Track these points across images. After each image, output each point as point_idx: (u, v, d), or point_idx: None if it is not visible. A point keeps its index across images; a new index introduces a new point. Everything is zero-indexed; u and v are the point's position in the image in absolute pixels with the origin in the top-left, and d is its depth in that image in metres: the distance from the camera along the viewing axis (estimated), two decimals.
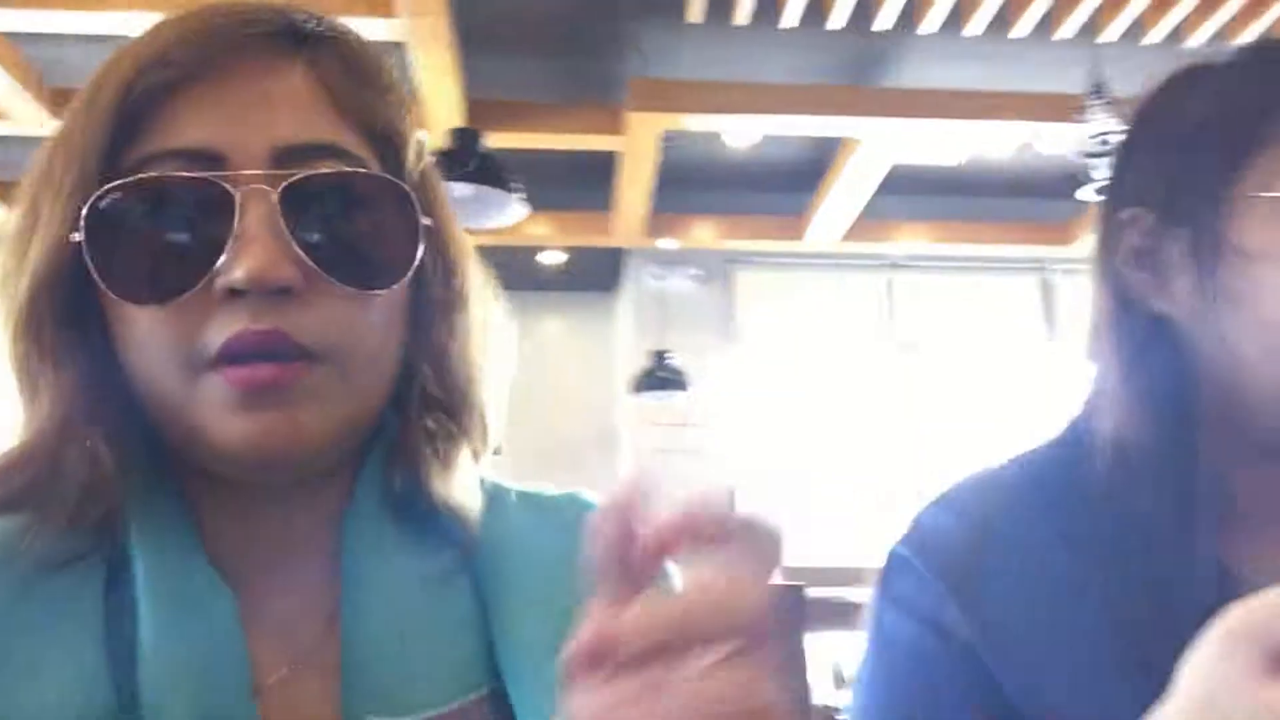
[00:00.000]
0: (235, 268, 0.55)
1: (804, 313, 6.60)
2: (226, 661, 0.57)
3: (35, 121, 4.41)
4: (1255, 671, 0.49)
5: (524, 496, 0.70)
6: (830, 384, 6.56)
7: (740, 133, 5.05)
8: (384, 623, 0.60)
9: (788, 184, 5.96)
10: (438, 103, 4.41)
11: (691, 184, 5.82)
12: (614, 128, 4.86)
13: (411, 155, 0.64)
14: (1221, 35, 4.43)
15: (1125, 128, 0.77)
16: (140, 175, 0.56)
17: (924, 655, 0.73)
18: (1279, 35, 4.33)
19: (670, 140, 5.00)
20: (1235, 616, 0.50)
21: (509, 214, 4.11)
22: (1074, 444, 0.75)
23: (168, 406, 0.58)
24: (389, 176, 0.61)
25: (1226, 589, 0.66)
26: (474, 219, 4.10)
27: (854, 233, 6.07)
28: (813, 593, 2.82)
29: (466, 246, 0.67)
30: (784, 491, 6.37)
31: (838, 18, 4.23)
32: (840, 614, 3.23)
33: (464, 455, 0.65)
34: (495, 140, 4.39)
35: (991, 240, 6.26)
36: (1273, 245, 0.66)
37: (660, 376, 5.44)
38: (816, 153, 5.55)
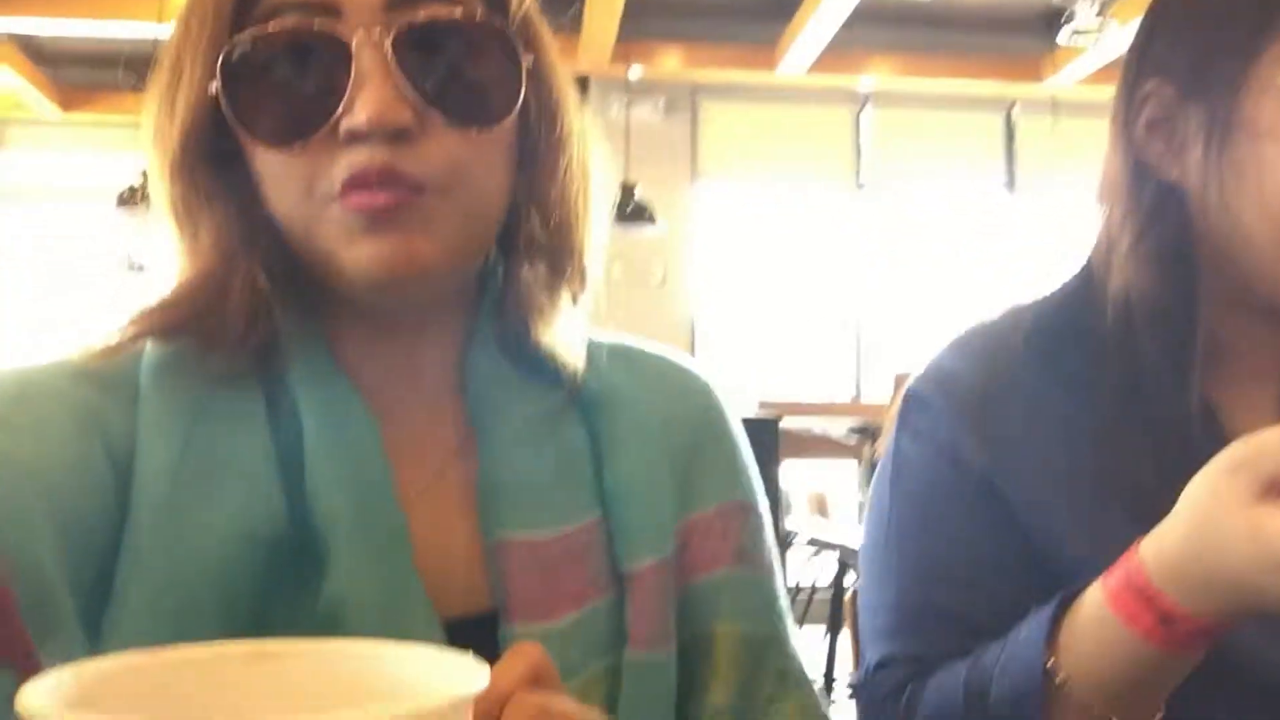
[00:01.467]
0: (355, 112, 0.59)
1: (771, 146, 6.53)
2: (376, 476, 0.63)
3: None
4: (1248, 495, 0.56)
5: (617, 349, 0.76)
6: (795, 219, 6.56)
7: None
8: (513, 444, 0.67)
9: (757, 13, 5.80)
10: None
11: (659, 10, 5.65)
12: None
13: (514, 1, 0.67)
14: None
15: None
16: (263, 28, 0.60)
17: (944, 480, 0.78)
18: None
19: None
20: (1236, 447, 0.57)
21: None
22: (1080, 295, 0.79)
23: (303, 237, 0.63)
24: (493, 19, 0.64)
25: (1213, 428, 0.71)
26: None
27: (823, 65, 5.96)
28: (788, 422, 2.92)
29: (569, 90, 0.70)
30: (748, 327, 6.45)
31: None
32: (814, 443, 3.35)
33: (565, 299, 0.70)
34: None
35: (960, 75, 6.18)
36: (1269, 122, 0.69)
37: (626, 209, 5.40)
38: None
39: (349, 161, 0.60)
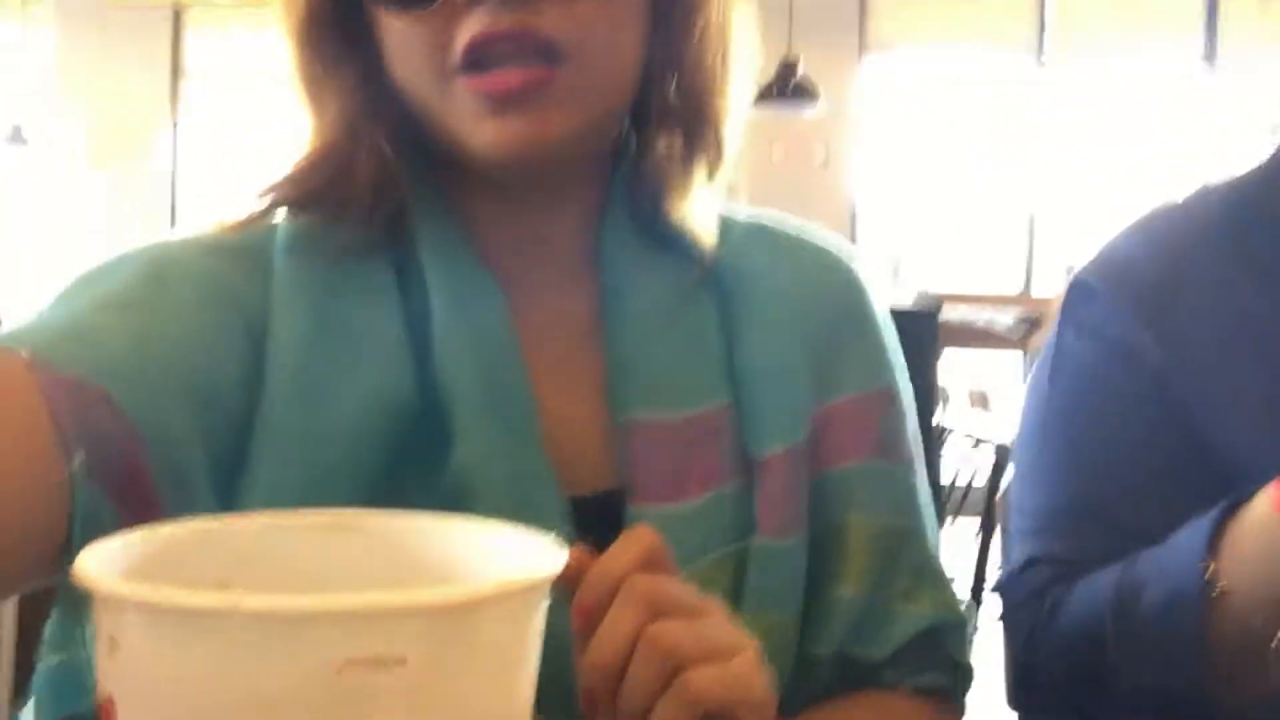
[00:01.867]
0: None
1: (945, 23, 6.17)
2: (504, 351, 0.62)
3: None
4: None
5: (753, 226, 0.73)
6: (969, 97, 6.23)
7: None
8: (643, 323, 0.66)
9: None
10: None
11: None
12: None
13: None
14: None
15: None
16: None
17: (1111, 376, 0.73)
18: None
19: None
20: None
21: None
22: (1266, 181, 0.72)
23: (428, 112, 0.61)
24: None
25: None
26: None
27: None
28: (950, 313, 2.81)
29: None
30: (914, 213, 6.23)
31: None
32: (977, 336, 3.23)
33: (700, 173, 0.67)
34: None
35: None
36: None
37: (787, 87, 5.22)
38: None
39: (470, 26, 0.57)
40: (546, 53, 0.58)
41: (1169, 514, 0.66)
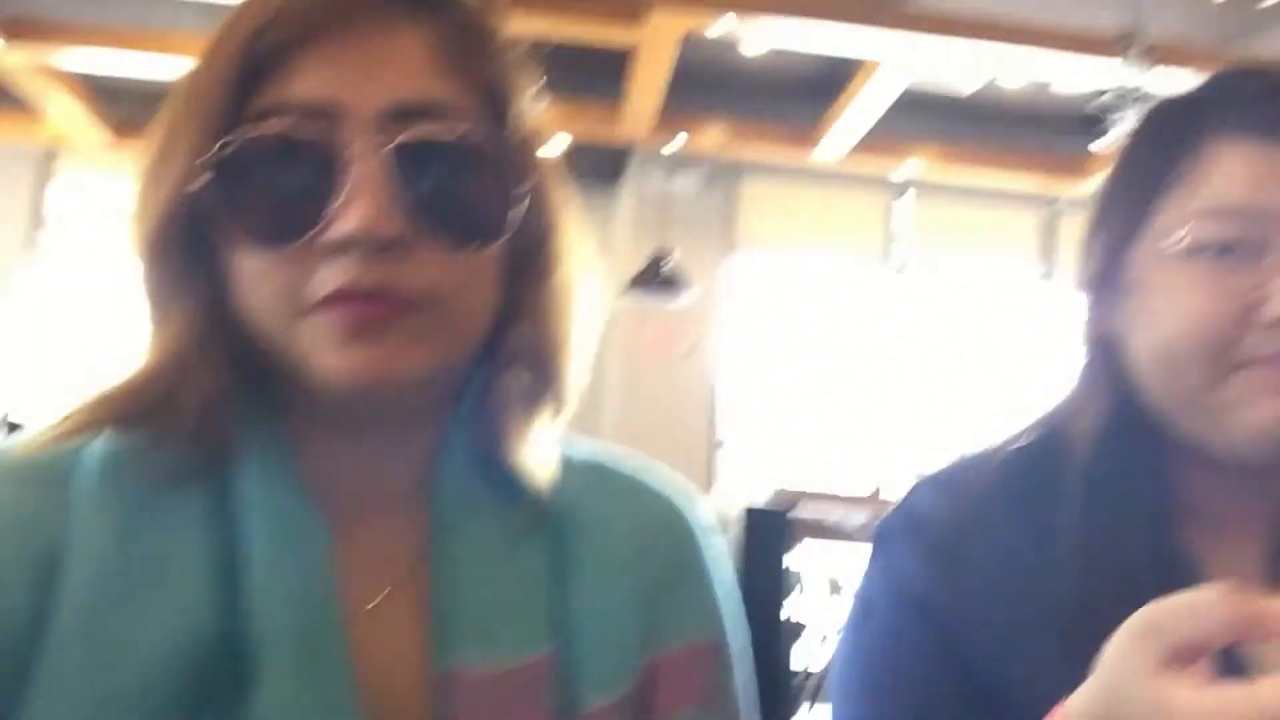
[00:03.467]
0: (346, 220, 0.58)
1: (807, 226, 6.55)
2: (321, 592, 0.60)
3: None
4: (1153, 663, 0.52)
5: (592, 466, 0.73)
6: (827, 301, 6.55)
7: (757, 40, 4.93)
8: (471, 567, 0.64)
9: (800, 96, 5.85)
10: None
11: (704, 87, 5.71)
12: (634, 20, 4.75)
13: (520, 115, 0.66)
14: None
15: (1142, 85, 0.81)
16: (260, 127, 0.59)
17: (907, 633, 0.77)
18: None
19: (687, 41, 4.89)
20: (1140, 615, 0.54)
21: None
22: (1052, 441, 0.80)
23: (275, 341, 0.61)
24: (495, 138, 0.63)
25: (1195, 581, 0.68)
26: None
27: (862, 150, 5.99)
28: (804, 511, 2.87)
29: (564, 208, 0.70)
30: (772, 402, 6.41)
31: None
32: (829, 533, 3.31)
33: (543, 417, 0.68)
34: (510, 45, 4.27)
35: (998, 169, 6.20)
36: (1160, 282, 0.75)
37: (658, 278, 5.41)
38: (829, 66, 5.44)
39: (337, 271, 0.58)
40: (406, 305, 0.60)
41: None
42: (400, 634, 0.63)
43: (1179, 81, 0.83)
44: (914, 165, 6.18)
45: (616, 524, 0.70)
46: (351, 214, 0.58)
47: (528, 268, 0.67)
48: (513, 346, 0.67)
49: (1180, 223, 0.74)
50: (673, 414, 6.13)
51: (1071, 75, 4.69)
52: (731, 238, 6.47)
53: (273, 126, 0.59)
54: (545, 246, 0.68)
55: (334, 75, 0.60)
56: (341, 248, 0.58)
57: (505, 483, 0.66)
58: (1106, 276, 0.80)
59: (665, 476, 0.77)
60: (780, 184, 6.53)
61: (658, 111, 5.70)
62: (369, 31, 0.61)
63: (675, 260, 5.48)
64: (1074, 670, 0.63)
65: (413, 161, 0.59)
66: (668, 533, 0.73)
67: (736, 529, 2.11)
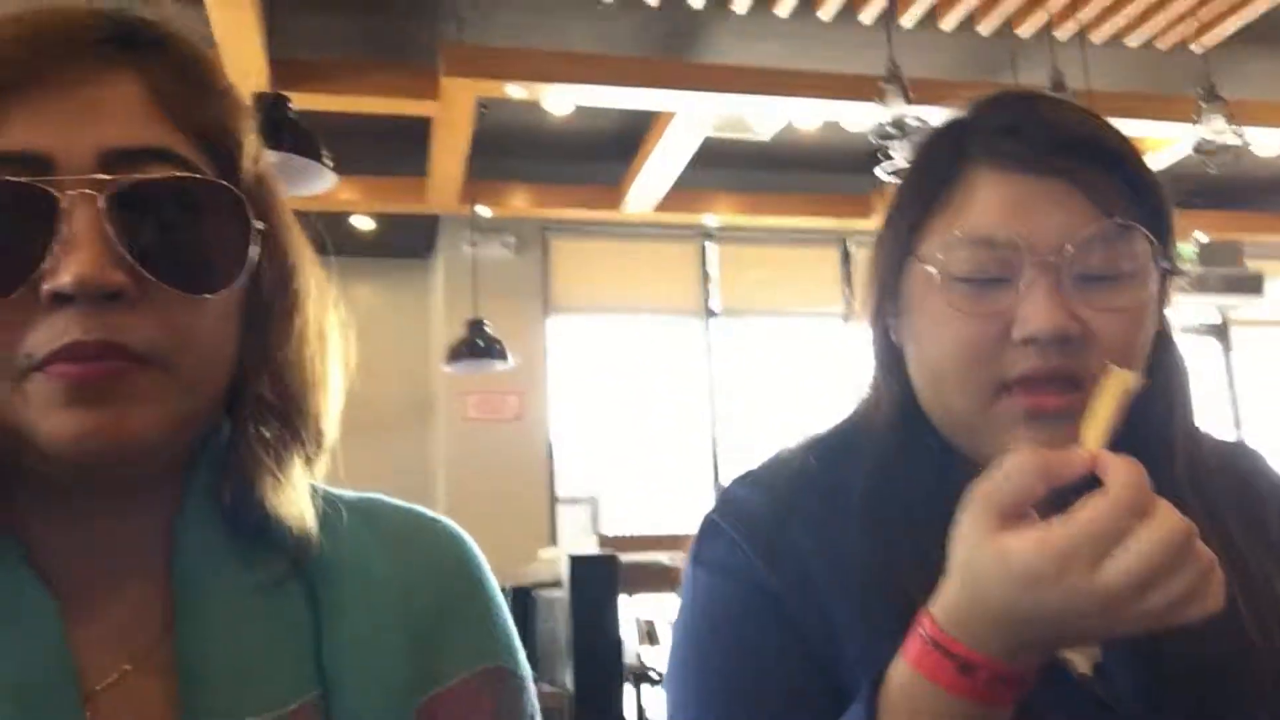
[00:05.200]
0: (62, 272, 0.54)
1: (619, 281, 6.67)
2: (52, 672, 0.56)
3: None
4: (993, 526, 0.61)
5: (358, 506, 0.70)
6: (647, 350, 6.67)
7: (555, 102, 5.04)
8: (219, 628, 0.60)
9: (603, 154, 5.99)
10: (240, 62, 4.21)
11: (507, 151, 5.78)
12: (428, 92, 4.77)
13: (247, 158, 0.64)
14: (1009, 24, 4.72)
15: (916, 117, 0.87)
16: None
17: (734, 604, 0.80)
18: (1061, 24, 4.65)
19: (486, 106, 4.95)
20: (972, 494, 0.63)
21: (319, 183, 3.96)
22: (851, 435, 0.86)
23: None
24: (219, 181, 0.61)
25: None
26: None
27: (668, 203, 6.17)
28: (626, 558, 2.90)
29: (304, 250, 0.67)
30: (602, 459, 6.45)
31: None
32: (653, 577, 3.34)
33: (297, 464, 0.65)
34: (303, 101, 4.24)
35: (796, 212, 6.49)
36: (924, 305, 0.79)
37: (477, 345, 5.40)
38: (631, 124, 5.60)
39: (54, 332, 0.54)
40: (134, 359, 0.56)
41: None
42: (150, 703, 0.59)
43: (946, 114, 0.86)
44: (717, 215, 6.40)
45: (384, 561, 0.67)
46: (67, 266, 0.54)
47: (267, 314, 0.64)
48: (257, 396, 0.64)
49: (941, 249, 0.77)
50: (508, 476, 6.09)
51: (858, 115, 4.97)
52: (548, 300, 6.52)
53: None
54: (286, 290, 0.65)
55: (44, 123, 0.57)
56: (59, 304, 0.54)
57: (257, 535, 0.63)
58: (884, 296, 0.83)
59: (434, 515, 0.74)
60: (591, 241, 6.64)
61: (464, 180, 5.73)
62: (80, 79, 0.58)
63: (491, 327, 5.48)
64: (889, 624, 0.70)
65: (132, 208, 0.56)
66: (443, 563, 0.71)
67: (566, 579, 2.12)
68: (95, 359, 0.55)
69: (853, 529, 0.79)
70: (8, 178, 0.55)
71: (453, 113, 4.88)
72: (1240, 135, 4.32)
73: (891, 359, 0.84)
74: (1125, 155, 0.79)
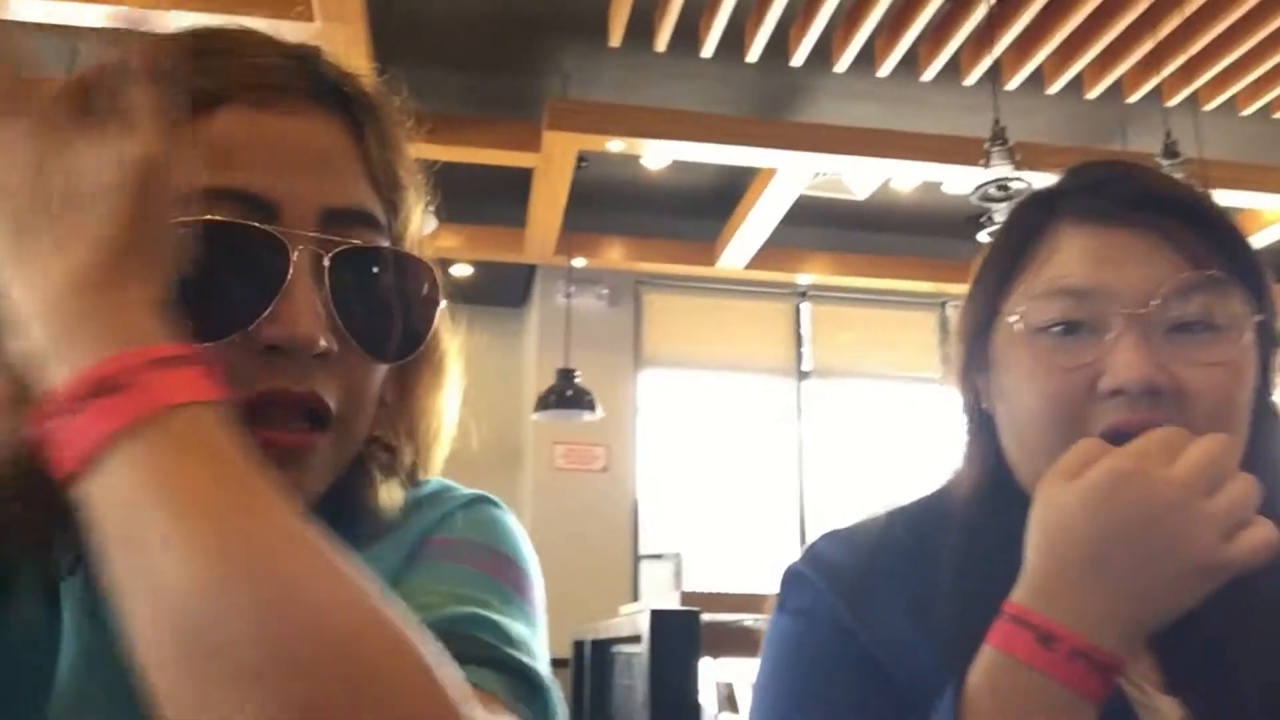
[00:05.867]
0: (283, 324, 0.54)
1: (710, 337, 6.67)
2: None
3: None
4: (1065, 479, 0.65)
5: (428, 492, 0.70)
6: (735, 408, 6.63)
7: (653, 157, 5.10)
8: None
9: (698, 210, 6.03)
10: None
11: (604, 205, 5.86)
12: (531, 145, 4.87)
13: (415, 225, 0.65)
14: (1118, 88, 4.64)
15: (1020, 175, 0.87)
16: (202, 217, 0.54)
17: (820, 648, 0.79)
18: (1173, 93, 4.55)
19: (586, 160, 5.03)
20: (1046, 475, 0.67)
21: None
22: (938, 502, 0.86)
23: None
24: (422, 258, 0.63)
25: None
26: None
27: (761, 260, 6.17)
28: (709, 618, 2.85)
29: (449, 317, 0.69)
30: (687, 515, 6.40)
31: (754, 51, 4.31)
32: (736, 639, 3.28)
33: (396, 484, 0.66)
34: (410, 151, 4.34)
35: (893, 275, 6.42)
36: (1011, 360, 0.79)
37: (567, 395, 5.43)
38: (727, 180, 5.63)
39: (264, 377, 0.54)
40: (316, 417, 0.56)
41: None
42: None
43: (1048, 178, 0.86)
44: (810, 275, 6.37)
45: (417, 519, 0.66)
46: (290, 318, 0.54)
47: (417, 369, 0.66)
48: (391, 456, 0.65)
49: (1026, 301, 0.77)
50: (592, 528, 6.09)
51: (959, 177, 4.92)
52: (639, 352, 6.55)
53: (213, 212, 0.54)
54: (433, 354, 0.67)
55: (270, 167, 0.56)
56: (269, 352, 0.55)
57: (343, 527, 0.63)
58: (973, 357, 0.83)
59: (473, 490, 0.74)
60: (683, 296, 6.66)
61: (560, 231, 5.81)
62: (296, 118, 0.58)
63: (582, 376, 5.51)
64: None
65: (346, 270, 0.57)
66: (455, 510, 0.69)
67: (646, 635, 2.09)
68: (291, 417, 0.55)
69: (940, 593, 0.78)
70: (238, 217, 0.55)
71: (553, 165, 4.97)
72: None
73: (980, 422, 0.84)
74: (1215, 213, 0.78)
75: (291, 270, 0.55)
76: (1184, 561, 0.61)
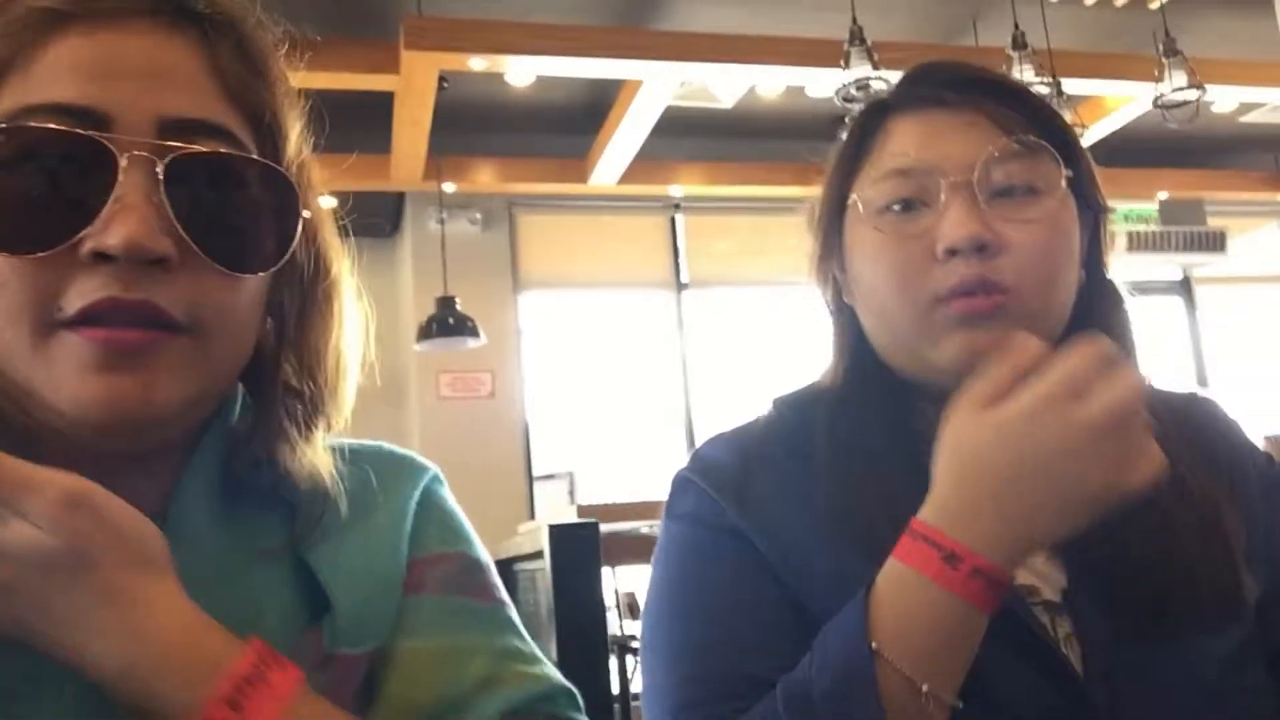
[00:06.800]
0: (111, 232, 0.54)
1: (588, 255, 6.65)
2: None
3: None
4: (977, 409, 0.69)
5: (344, 453, 0.72)
6: (620, 322, 6.66)
7: (519, 74, 5.00)
8: (210, 585, 0.59)
9: (567, 126, 5.96)
10: None
11: (471, 126, 5.74)
12: (389, 66, 4.72)
13: (293, 146, 0.65)
14: None
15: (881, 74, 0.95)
16: (23, 121, 0.54)
17: (708, 548, 0.84)
18: None
19: (448, 81, 4.90)
20: (951, 403, 0.71)
21: None
22: (815, 392, 0.92)
23: (10, 361, 0.56)
24: (275, 165, 0.61)
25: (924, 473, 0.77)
26: None
27: (633, 174, 6.15)
28: (606, 528, 2.91)
29: (337, 243, 0.69)
30: (578, 433, 6.45)
31: None
32: (634, 546, 3.36)
33: (319, 434, 0.67)
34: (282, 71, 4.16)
35: (763, 181, 6.48)
36: (860, 243, 0.87)
37: (449, 323, 5.37)
38: (595, 95, 5.57)
39: (92, 286, 0.54)
40: (161, 322, 0.56)
41: (786, 661, 0.73)
42: None
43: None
44: (682, 186, 6.39)
45: (369, 497, 0.69)
46: (117, 227, 0.54)
47: (304, 300, 0.66)
48: (283, 377, 0.66)
49: (867, 187, 0.87)
50: (483, 454, 6.09)
51: (822, 80, 4.96)
52: (517, 275, 6.50)
53: (40, 121, 0.54)
54: (317, 282, 0.67)
55: (102, 76, 0.56)
56: (99, 262, 0.54)
57: (258, 507, 0.64)
58: (828, 248, 0.92)
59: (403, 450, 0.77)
60: (557, 215, 6.61)
61: (427, 156, 5.68)
62: (143, 36, 0.58)
63: (461, 304, 5.45)
64: (850, 561, 0.76)
65: (187, 179, 0.57)
66: (412, 492, 0.73)
67: (547, 550, 2.13)
68: (130, 322, 0.55)
69: (818, 474, 0.84)
70: (65, 129, 0.54)
71: (413, 87, 4.83)
72: (1200, 89, 4.35)
73: (843, 313, 0.92)
74: (1024, 90, 0.88)
75: (120, 176, 0.55)
76: (1083, 492, 0.67)
